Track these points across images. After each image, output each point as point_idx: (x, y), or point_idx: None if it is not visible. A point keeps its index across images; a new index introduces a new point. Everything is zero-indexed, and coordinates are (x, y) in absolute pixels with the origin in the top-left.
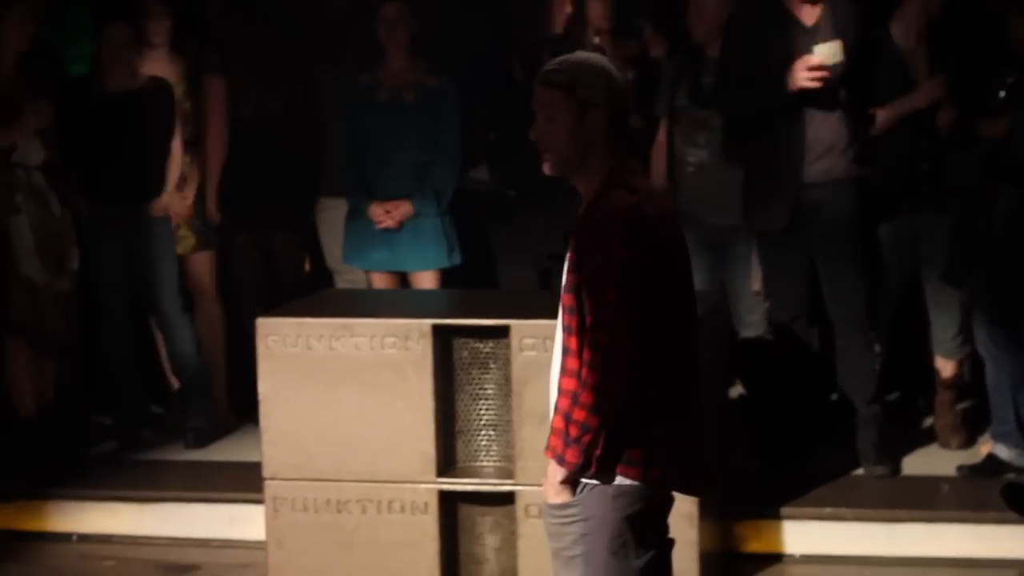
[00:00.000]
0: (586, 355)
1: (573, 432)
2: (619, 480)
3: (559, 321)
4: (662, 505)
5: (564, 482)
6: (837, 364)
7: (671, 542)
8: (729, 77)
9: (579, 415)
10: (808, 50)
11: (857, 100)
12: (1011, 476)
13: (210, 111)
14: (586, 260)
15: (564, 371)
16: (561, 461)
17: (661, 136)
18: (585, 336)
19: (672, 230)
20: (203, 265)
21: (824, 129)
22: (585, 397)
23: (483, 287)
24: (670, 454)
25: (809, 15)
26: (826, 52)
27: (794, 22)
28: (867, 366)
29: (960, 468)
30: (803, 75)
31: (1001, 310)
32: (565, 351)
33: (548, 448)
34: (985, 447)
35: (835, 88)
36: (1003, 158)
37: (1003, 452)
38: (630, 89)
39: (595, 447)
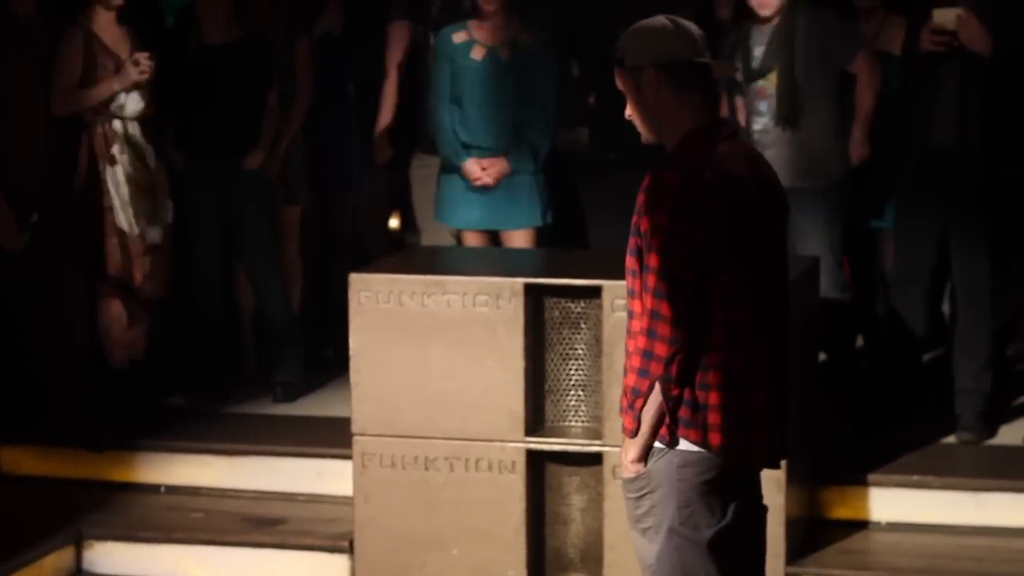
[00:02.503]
0: (642, 320)
1: (627, 398)
2: (683, 447)
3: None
4: (741, 474)
5: (632, 450)
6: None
7: (762, 510)
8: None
9: (630, 380)
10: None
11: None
12: None
13: (301, 70)
14: (641, 225)
15: (628, 333)
16: (623, 428)
17: (722, 111)
18: (643, 299)
19: (744, 193)
20: (289, 220)
21: (952, 93)
22: (636, 361)
23: (576, 248)
24: (732, 421)
25: None
26: (939, 18)
27: None
28: (978, 337)
29: None
30: (925, 37)
31: None
32: (629, 314)
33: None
34: None
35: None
36: None
37: None
38: (690, 39)
39: (650, 411)
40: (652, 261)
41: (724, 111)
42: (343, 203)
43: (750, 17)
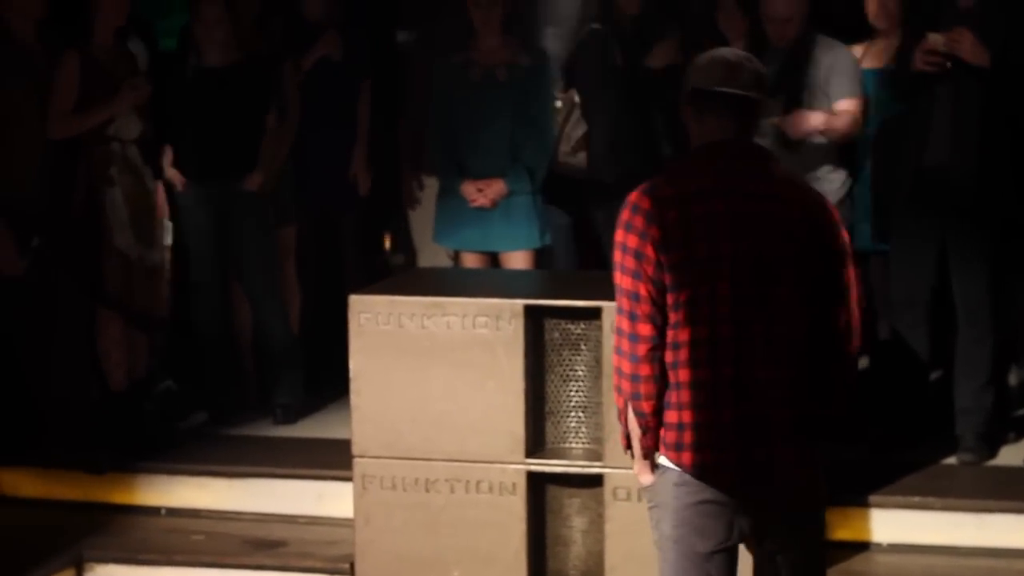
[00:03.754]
0: (613, 338)
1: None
2: (662, 461)
3: None
4: (743, 498)
5: (634, 465)
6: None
7: (777, 545)
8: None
9: (614, 396)
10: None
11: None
12: None
13: (289, 94)
14: None
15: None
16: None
17: None
18: None
19: (702, 207)
20: (284, 241)
21: (946, 112)
22: (614, 379)
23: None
24: (702, 440)
25: None
26: (934, 40)
27: (951, 3)
28: (980, 354)
29: None
30: (919, 57)
31: None
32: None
33: None
34: None
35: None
36: None
37: None
38: (719, 69)
39: (631, 427)
40: (615, 277)
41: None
42: (342, 225)
43: (762, 41)
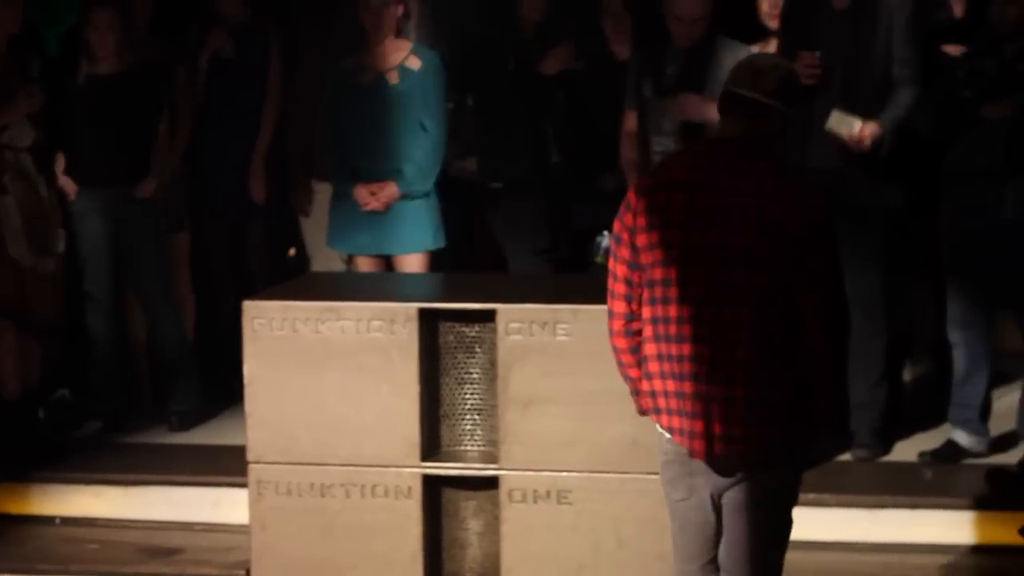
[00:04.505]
0: None
1: None
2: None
3: None
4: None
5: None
6: None
7: (739, 515)
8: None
9: None
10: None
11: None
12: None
13: (181, 99)
14: None
15: None
16: None
17: (629, 126)
18: None
19: (667, 197)
20: (177, 248)
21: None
22: None
23: (478, 270)
24: (671, 407)
25: None
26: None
27: (826, 5)
28: (874, 348)
29: (921, 455)
30: (799, 70)
31: (982, 297)
32: None
33: None
34: None
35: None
36: (1015, 141)
37: (962, 438)
38: (744, 72)
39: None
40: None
41: (631, 126)
42: (248, 231)
43: (661, 41)
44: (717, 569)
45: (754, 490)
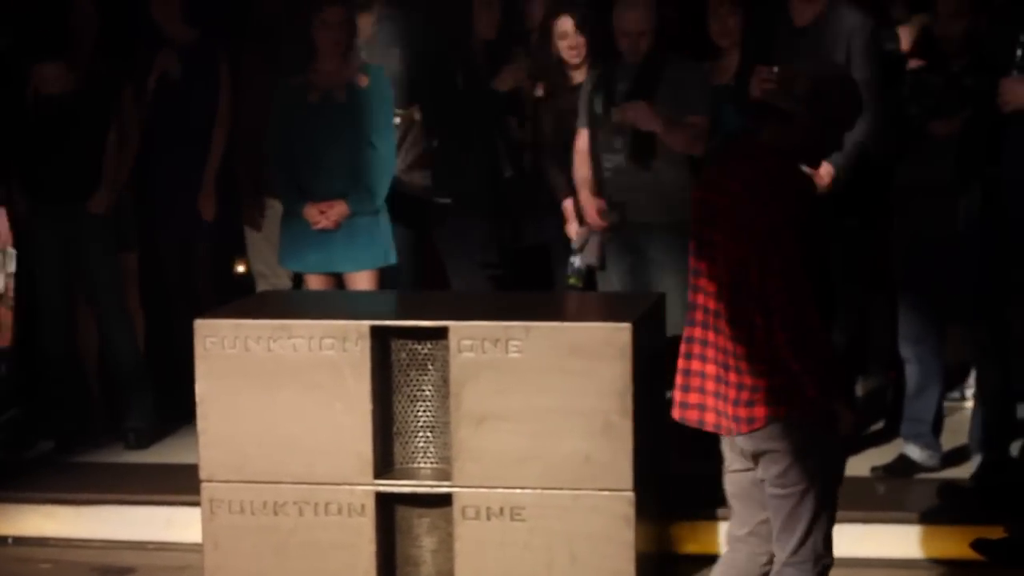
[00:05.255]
0: None
1: None
2: None
3: None
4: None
5: None
6: None
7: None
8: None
9: None
10: (794, 54)
11: None
12: (922, 476)
13: (128, 117)
14: None
15: None
16: None
17: (580, 144)
18: None
19: (703, 192)
20: (126, 266)
21: None
22: None
23: (425, 289)
24: (680, 384)
25: (801, 15)
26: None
27: (786, 22)
28: None
29: (873, 469)
30: (755, 84)
31: (934, 312)
32: None
33: None
34: None
35: None
36: (963, 156)
37: (915, 453)
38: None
39: None
40: None
41: (582, 144)
42: (190, 249)
43: (612, 58)
44: (765, 540)
45: (766, 467)
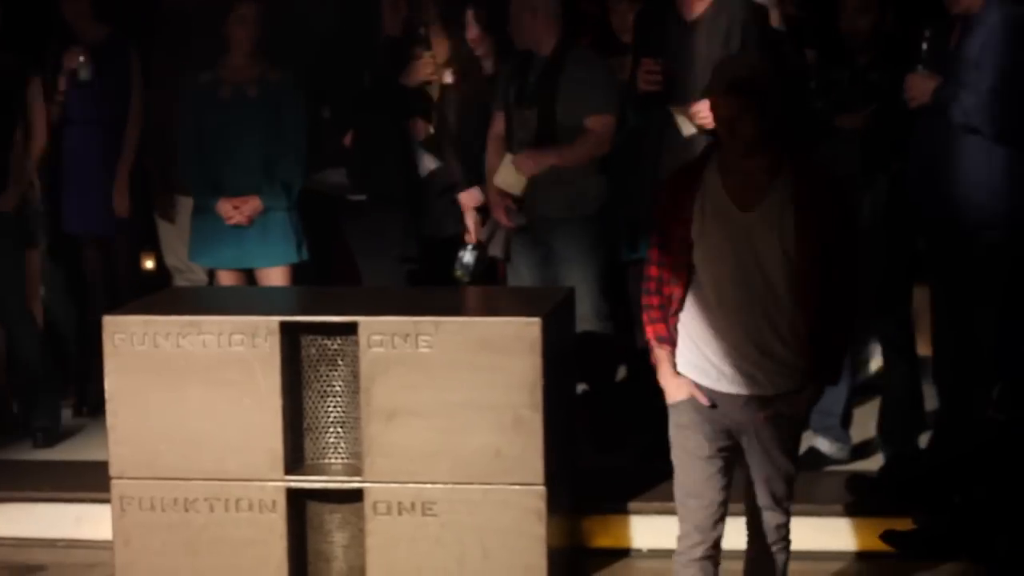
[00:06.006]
0: None
1: None
2: None
3: None
4: None
5: None
6: None
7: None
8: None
9: None
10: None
11: None
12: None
13: (34, 110)
14: None
15: None
16: None
17: (496, 129)
18: None
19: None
20: (30, 263)
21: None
22: None
23: (337, 284)
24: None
25: (690, 9)
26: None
27: (676, 17)
28: None
29: None
30: (641, 77)
31: None
32: None
33: None
34: None
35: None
36: (869, 150)
37: (824, 446)
38: None
39: None
40: None
41: (498, 129)
42: (106, 245)
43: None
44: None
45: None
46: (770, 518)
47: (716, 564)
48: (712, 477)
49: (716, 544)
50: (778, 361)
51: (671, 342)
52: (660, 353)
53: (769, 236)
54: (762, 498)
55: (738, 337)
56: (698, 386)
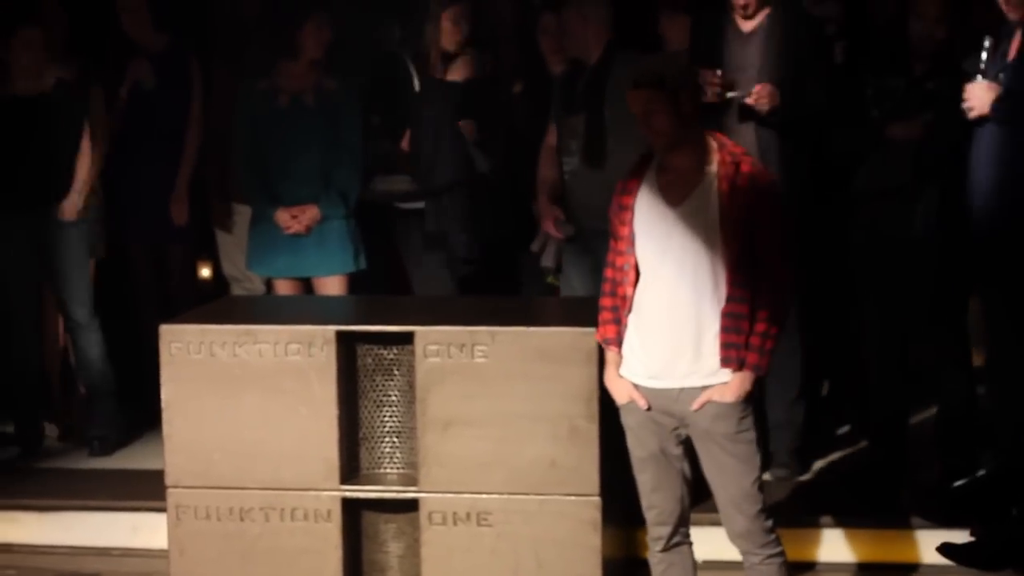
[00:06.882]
0: None
1: None
2: None
3: None
4: None
5: None
6: None
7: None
8: None
9: None
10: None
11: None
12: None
13: (96, 120)
14: None
15: None
16: None
17: (550, 140)
18: None
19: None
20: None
21: (739, 137)
22: None
23: (393, 293)
24: None
25: (746, 21)
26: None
27: (732, 28)
28: (792, 368)
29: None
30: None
31: (895, 314)
32: None
33: None
34: None
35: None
36: (923, 160)
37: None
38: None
39: None
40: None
41: (552, 140)
42: (170, 254)
43: (581, 62)
44: None
45: None
46: (738, 524)
47: (689, 546)
48: (667, 472)
49: (683, 530)
50: (708, 353)
51: (618, 343)
52: (608, 355)
53: (697, 229)
54: (721, 504)
55: (672, 331)
56: (636, 387)
